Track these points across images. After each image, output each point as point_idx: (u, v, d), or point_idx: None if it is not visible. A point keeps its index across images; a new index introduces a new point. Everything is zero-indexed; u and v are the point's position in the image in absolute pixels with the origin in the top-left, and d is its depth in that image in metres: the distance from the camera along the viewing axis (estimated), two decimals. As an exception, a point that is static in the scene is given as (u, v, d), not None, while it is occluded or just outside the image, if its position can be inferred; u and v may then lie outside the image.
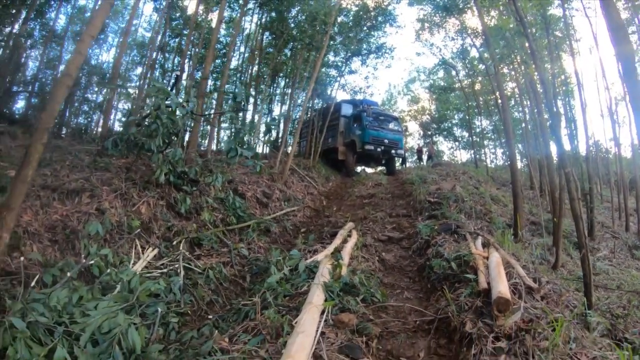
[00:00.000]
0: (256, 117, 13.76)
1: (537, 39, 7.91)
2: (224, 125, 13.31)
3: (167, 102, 5.33)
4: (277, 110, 17.59)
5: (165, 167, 5.36)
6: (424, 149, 20.99)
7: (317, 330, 2.67)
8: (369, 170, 16.49)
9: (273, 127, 6.46)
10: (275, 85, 16.73)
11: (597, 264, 7.64)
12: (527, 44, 6.41)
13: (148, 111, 6.86)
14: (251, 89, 12.71)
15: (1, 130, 7.84)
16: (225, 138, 16.01)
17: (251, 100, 13.63)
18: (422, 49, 22.75)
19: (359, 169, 15.61)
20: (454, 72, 20.13)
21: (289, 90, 16.73)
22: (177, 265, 4.70)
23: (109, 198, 5.43)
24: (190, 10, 14.48)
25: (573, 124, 10.86)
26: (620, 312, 5.36)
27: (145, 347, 2.99)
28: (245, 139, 5.09)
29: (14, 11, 10.24)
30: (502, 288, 2.95)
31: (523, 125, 16.14)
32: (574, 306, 3.59)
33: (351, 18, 14.69)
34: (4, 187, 4.95)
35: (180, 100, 4.93)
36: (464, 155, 28.36)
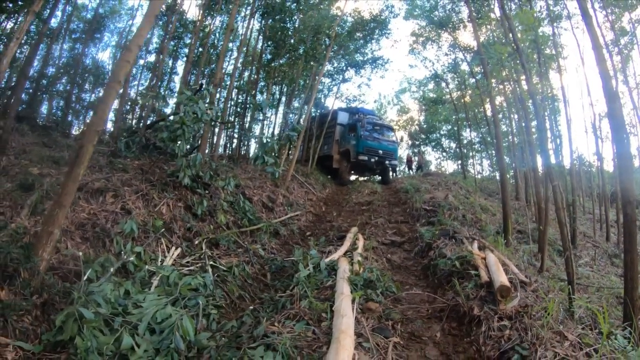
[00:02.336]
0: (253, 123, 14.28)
1: (527, 55, 8.74)
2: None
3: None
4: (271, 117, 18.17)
5: (189, 171, 5.84)
6: (414, 159, 22.00)
7: (353, 315, 3.26)
8: (362, 178, 17.15)
9: (292, 138, 6.96)
10: (269, 92, 17.31)
11: (579, 270, 8.50)
12: (518, 62, 7.22)
13: (160, 116, 7.35)
14: (248, 95, 13.24)
15: (10, 127, 8.07)
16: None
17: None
18: (415, 61, 23.95)
19: (353, 177, 16.18)
20: (443, 84, 21.29)
21: (283, 98, 17.42)
22: (201, 264, 5.20)
23: (131, 198, 5.86)
24: (190, 15, 14.95)
25: (559, 139, 11.88)
26: (600, 310, 6.17)
27: (194, 335, 3.46)
28: (274, 146, 5.63)
29: (11, 4, 10.48)
30: (502, 279, 3.64)
31: (510, 137, 17.25)
32: (561, 301, 4.31)
33: (347, 29, 15.50)
34: (32, 184, 5.34)
35: (205, 107, 5.44)
36: (450, 166, 29.66)
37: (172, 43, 15.63)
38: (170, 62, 17.34)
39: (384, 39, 15.76)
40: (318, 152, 14.68)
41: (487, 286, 3.92)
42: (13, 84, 10.35)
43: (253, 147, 15.36)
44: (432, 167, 27.64)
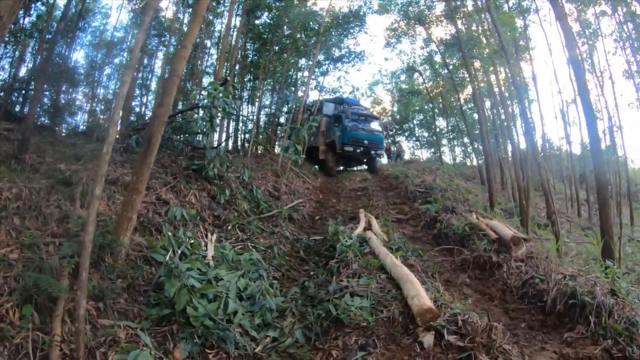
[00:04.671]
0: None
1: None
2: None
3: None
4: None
5: (217, 162, 6.44)
6: (393, 148, 23.38)
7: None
8: (352, 168, 17.84)
9: (312, 129, 7.53)
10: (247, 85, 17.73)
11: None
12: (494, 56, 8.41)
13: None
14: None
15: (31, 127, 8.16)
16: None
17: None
18: (390, 54, 25.29)
19: (341, 167, 16.93)
20: (416, 75, 22.77)
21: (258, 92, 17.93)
22: (241, 245, 5.89)
23: (162, 190, 6.41)
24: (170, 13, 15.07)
25: (532, 125, 13.44)
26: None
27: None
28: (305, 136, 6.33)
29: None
30: (511, 232, 4.71)
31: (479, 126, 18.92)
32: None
33: (326, 24, 16.29)
34: (70, 179, 5.70)
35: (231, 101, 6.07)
36: (424, 154, 31.52)
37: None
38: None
39: (362, 34, 16.70)
40: (306, 142, 15.37)
41: (497, 242, 5.00)
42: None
43: (240, 139, 15.81)
44: (406, 156, 29.26)
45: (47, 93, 11.27)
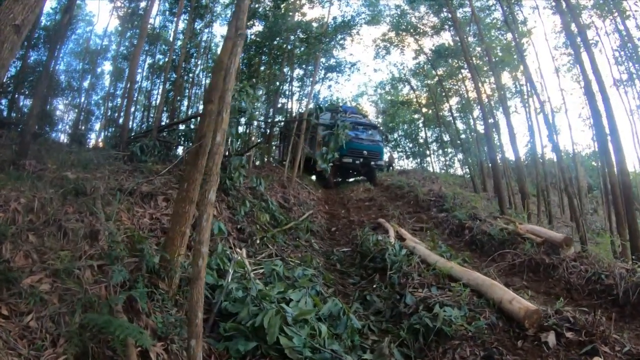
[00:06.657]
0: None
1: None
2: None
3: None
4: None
5: (244, 171, 6.32)
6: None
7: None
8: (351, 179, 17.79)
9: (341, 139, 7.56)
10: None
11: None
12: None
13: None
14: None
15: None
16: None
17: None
18: (380, 65, 26.14)
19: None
20: (401, 86, 23.58)
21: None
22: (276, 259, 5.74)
23: (182, 202, 6.18)
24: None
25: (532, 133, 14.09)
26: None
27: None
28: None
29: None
30: (559, 234, 4.92)
31: (473, 134, 19.65)
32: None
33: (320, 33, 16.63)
34: (83, 189, 5.33)
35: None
36: (409, 164, 32.26)
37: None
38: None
39: (355, 44, 17.23)
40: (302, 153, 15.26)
41: (543, 244, 5.17)
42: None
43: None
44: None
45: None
